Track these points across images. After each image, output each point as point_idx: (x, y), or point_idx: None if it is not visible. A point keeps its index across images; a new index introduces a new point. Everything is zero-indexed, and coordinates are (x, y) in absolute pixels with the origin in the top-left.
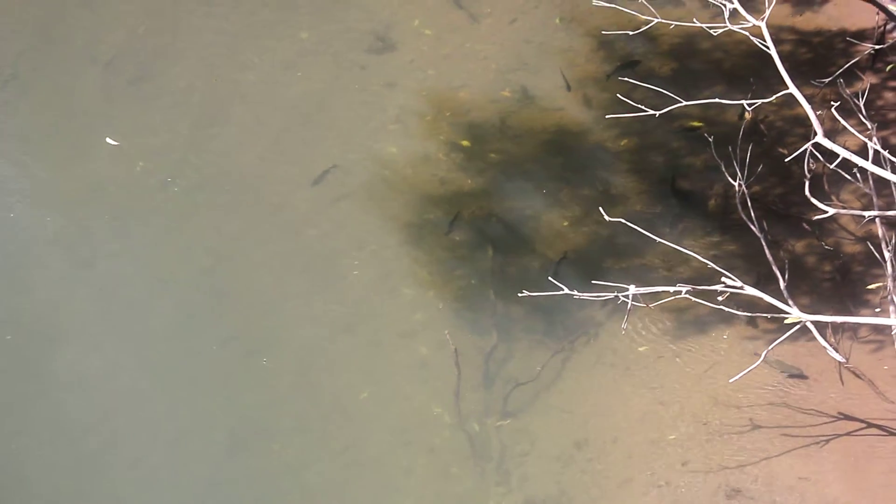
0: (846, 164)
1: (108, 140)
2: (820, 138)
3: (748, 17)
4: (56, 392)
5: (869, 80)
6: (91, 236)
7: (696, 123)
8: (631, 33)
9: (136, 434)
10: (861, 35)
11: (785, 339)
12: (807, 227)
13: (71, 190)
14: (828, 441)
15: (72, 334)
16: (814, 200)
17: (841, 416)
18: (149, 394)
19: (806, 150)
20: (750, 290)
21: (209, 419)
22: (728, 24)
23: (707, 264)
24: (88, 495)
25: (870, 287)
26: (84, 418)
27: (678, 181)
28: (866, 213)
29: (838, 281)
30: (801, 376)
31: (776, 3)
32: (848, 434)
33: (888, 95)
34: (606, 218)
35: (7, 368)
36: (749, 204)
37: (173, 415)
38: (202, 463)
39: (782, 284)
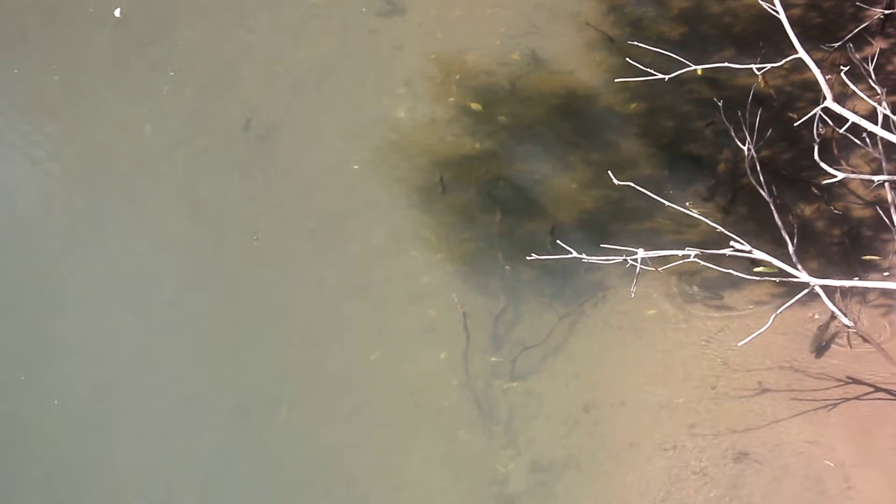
0: (855, 129)
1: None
2: (829, 103)
3: None
4: (62, 358)
5: (879, 44)
6: (98, 200)
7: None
8: None
9: (143, 400)
10: (871, 0)
11: (794, 303)
12: (816, 191)
13: (78, 153)
14: (835, 405)
15: (78, 299)
16: (823, 165)
17: (849, 381)
18: (155, 359)
19: (815, 114)
20: (759, 254)
21: (216, 384)
22: None
23: (716, 228)
24: (94, 462)
25: (864, 257)
26: (90, 384)
27: (686, 146)
28: (876, 178)
29: (847, 245)
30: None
31: None
32: (855, 398)
33: None
34: (615, 181)
35: (12, 333)
36: (758, 168)
37: (180, 380)
38: (209, 428)
39: (791, 249)
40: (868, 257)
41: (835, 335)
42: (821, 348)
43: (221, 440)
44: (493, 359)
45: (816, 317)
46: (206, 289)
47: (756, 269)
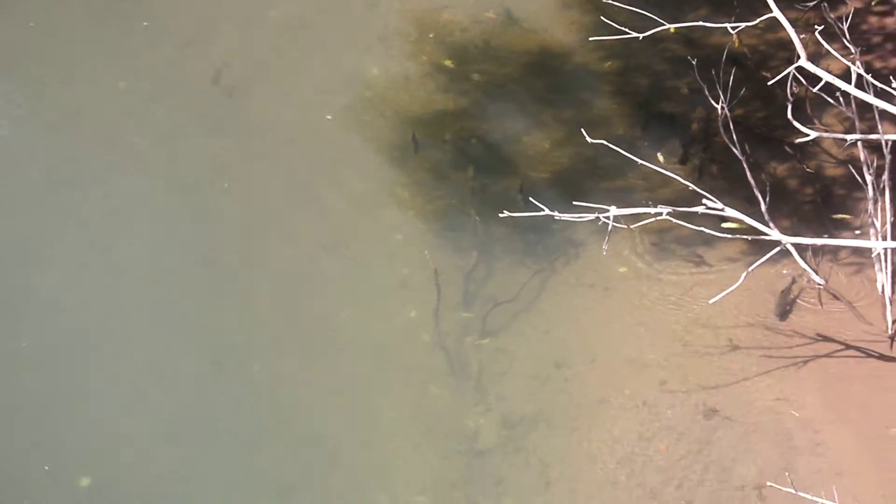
0: (829, 88)
1: None
2: (803, 62)
3: None
4: (35, 313)
5: (853, 4)
6: (72, 157)
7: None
8: None
9: (116, 355)
10: None
11: (765, 260)
12: (789, 150)
13: (52, 110)
14: (806, 362)
15: (51, 255)
16: (796, 124)
17: (820, 338)
18: (127, 315)
19: (789, 73)
20: (731, 212)
21: (188, 341)
22: None
23: (688, 186)
24: (69, 416)
25: (836, 216)
26: (64, 339)
27: (660, 104)
28: (848, 137)
29: (819, 204)
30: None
31: None
32: (826, 356)
33: (872, 20)
34: (589, 139)
35: None
36: (731, 127)
37: (152, 337)
38: (181, 385)
39: (763, 207)
40: (840, 216)
41: (796, 299)
42: (784, 312)
43: (192, 394)
44: (465, 314)
45: (785, 272)
46: (180, 243)
47: (724, 225)
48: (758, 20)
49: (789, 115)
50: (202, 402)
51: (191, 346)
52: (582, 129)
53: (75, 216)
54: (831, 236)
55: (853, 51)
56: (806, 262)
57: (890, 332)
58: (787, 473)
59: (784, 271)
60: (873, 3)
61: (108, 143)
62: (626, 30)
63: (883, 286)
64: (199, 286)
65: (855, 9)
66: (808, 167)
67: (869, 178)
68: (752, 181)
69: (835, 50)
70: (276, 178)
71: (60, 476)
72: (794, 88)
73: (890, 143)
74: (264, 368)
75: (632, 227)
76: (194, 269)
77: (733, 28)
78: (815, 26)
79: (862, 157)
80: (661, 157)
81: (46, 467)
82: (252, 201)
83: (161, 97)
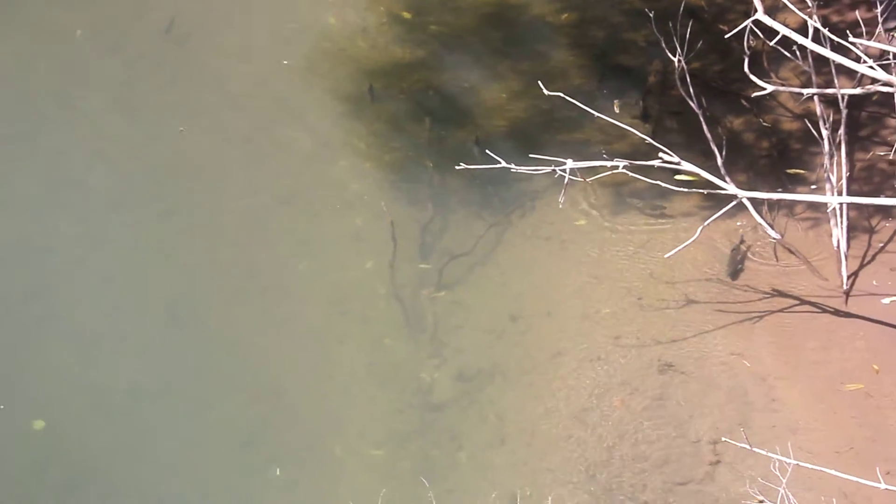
0: (786, 42)
1: None
2: (760, 15)
3: None
4: None
5: None
6: (30, 108)
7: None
8: None
9: (74, 306)
10: None
11: (721, 215)
12: (745, 103)
13: (10, 58)
14: (761, 317)
15: (10, 205)
16: (753, 77)
17: (775, 293)
18: (87, 265)
19: (746, 26)
20: (687, 166)
21: (147, 291)
22: None
23: (645, 139)
24: (27, 364)
25: (792, 171)
26: (22, 288)
27: (617, 57)
28: (805, 91)
29: (775, 158)
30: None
31: None
32: (781, 311)
33: None
34: (545, 92)
35: None
36: (688, 80)
37: (111, 286)
38: (139, 335)
39: (719, 161)
40: (795, 171)
41: (745, 258)
42: (736, 272)
43: (151, 347)
44: (422, 266)
45: (739, 224)
46: (136, 196)
47: (677, 177)
48: None
49: (746, 69)
50: (158, 353)
51: (147, 298)
52: (539, 82)
53: (29, 168)
54: (787, 191)
55: (810, 4)
56: (761, 217)
57: (845, 287)
58: (741, 429)
59: (738, 223)
60: None
61: (65, 94)
62: None
63: (838, 241)
64: (154, 238)
65: None
66: (764, 121)
67: (825, 133)
68: (708, 135)
69: (792, 4)
70: (232, 130)
71: (15, 417)
72: (751, 42)
73: (846, 97)
74: (221, 320)
75: (588, 180)
76: (150, 220)
77: None
78: None
79: (818, 111)
80: (617, 107)
81: (1, 406)
82: (208, 153)
83: (117, 47)
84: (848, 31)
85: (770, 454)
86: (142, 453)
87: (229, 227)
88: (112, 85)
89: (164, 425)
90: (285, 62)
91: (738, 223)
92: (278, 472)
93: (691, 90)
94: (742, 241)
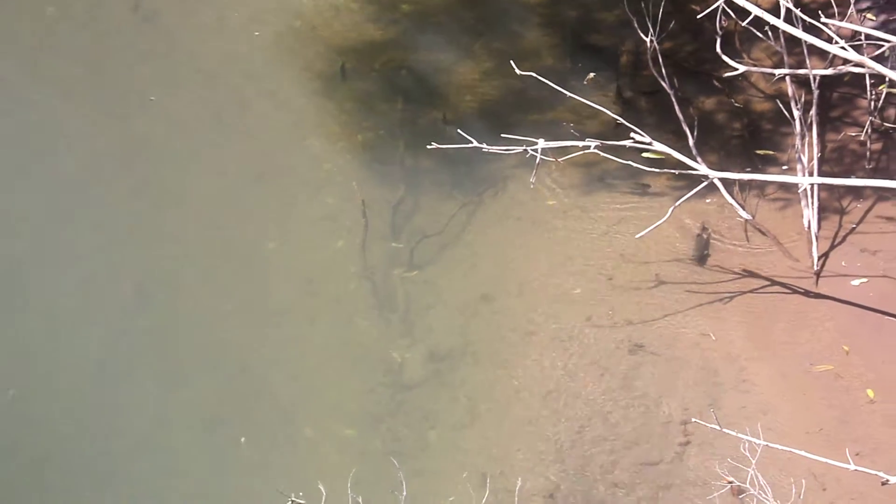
0: (758, 22)
1: None
2: None
3: None
4: None
5: None
6: (1, 80)
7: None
8: None
9: (43, 283)
10: None
11: (692, 195)
12: (717, 84)
13: None
14: (731, 298)
15: None
16: (725, 58)
17: (745, 274)
18: (57, 243)
19: (718, 6)
20: (659, 146)
21: (116, 270)
22: None
23: (616, 119)
24: None
25: (762, 152)
26: None
27: (589, 36)
28: (777, 71)
29: (747, 139)
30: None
31: None
32: (752, 291)
33: None
34: (517, 71)
35: None
36: (660, 60)
37: (81, 264)
38: (108, 313)
39: (691, 141)
40: (766, 151)
41: (709, 242)
42: (702, 257)
43: (120, 325)
44: (395, 244)
45: (707, 202)
46: (106, 172)
47: (645, 155)
48: None
49: (718, 49)
50: (128, 331)
51: (116, 275)
52: (511, 61)
53: (3, 143)
54: (758, 172)
55: None
56: (733, 197)
57: (816, 268)
58: (711, 409)
59: (702, 209)
60: None
61: (36, 69)
62: None
63: (809, 222)
64: (125, 215)
65: None
66: (736, 102)
67: (797, 114)
68: (680, 115)
69: None
70: (202, 108)
71: None
72: (724, 22)
73: (818, 78)
74: (190, 298)
75: (560, 160)
76: (119, 197)
77: None
78: None
79: (790, 91)
80: (589, 82)
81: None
82: (179, 131)
83: (87, 24)
84: (820, 12)
85: (740, 435)
86: (110, 431)
87: (199, 204)
88: (82, 62)
89: (132, 403)
90: (256, 33)
91: (703, 209)
92: (243, 441)
93: (663, 70)
94: (705, 228)
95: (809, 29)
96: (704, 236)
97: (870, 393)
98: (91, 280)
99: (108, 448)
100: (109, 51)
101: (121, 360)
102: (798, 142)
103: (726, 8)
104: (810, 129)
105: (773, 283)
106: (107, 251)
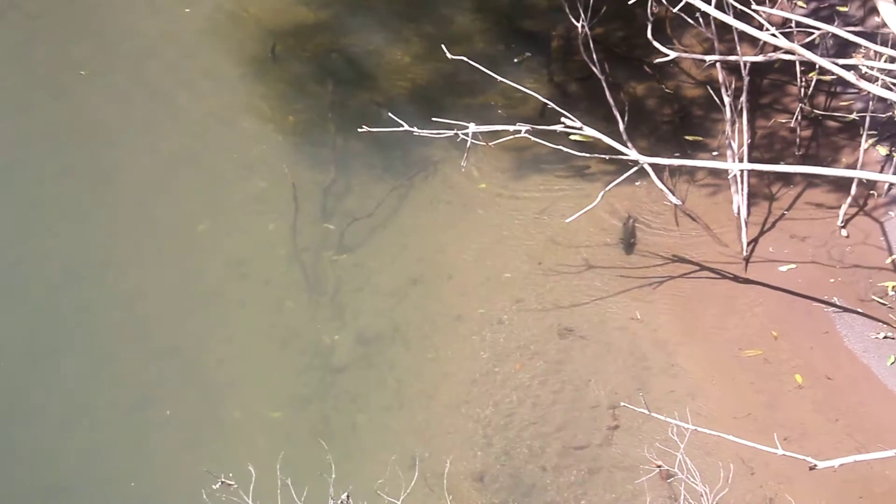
0: (689, 9)
1: None
2: None
3: None
4: None
5: None
6: None
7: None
8: None
9: None
10: None
11: (622, 180)
12: (648, 70)
13: None
14: (661, 283)
15: None
16: (656, 44)
17: (675, 259)
18: None
19: None
20: (589, 131)
21: (43, 249)
22: None
23: (548, 104)
24: None
25: (690, 137)
26: None
27: (521, 21)
28: (707, 58)
29: (678, 124)
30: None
31: None
32: (681, 276)
33: None
34: (448, 55)
35: None
36: (591, 46)
37: (8, 243)
38: (35, 293)
39: (622, 126)
40: (694, 137)
41: (635, 233)
42: (630, 246)
43: (47, 305)
44: (327, 225)
45: (638, 183)
46: (35, 153)
47: (572, 137)
48: None
49: (649, 35)
50: (55, 311)
51: (44, 256)
52: (442, 45)
53: None
54: (688, 157)
55: None
56: (663, 183)
57: (745, 253)
58: (640, 393)
59: (637, 184)
60: None
61: None
62: None
63: (739, 208)
64: (52, 195)
65: None
66: (666, 88)
67: (727, 100)
68: (611, 100)
69: None
70: (134, 89)
71: None
72: (654, 8)
73: (748, 64)
74: (118, 279)
75: (490, 144)
76: (48, 178)
77: None
78: None
79: (720, 78)
80: (524, 56)
81: None
82: (108, 111)
83: (18, 2)
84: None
85: (668, 419)
86: (36, 412)
87: (129, 185)
88: (11, 43)
89: (58, 384)
90: (187, 10)
91: (633, 194)
92: (168, 413)
93: (594, 56)
94: (630, 217)
95: (740, 16)
96: (630, 225)
97: (798, 378)
98: (19, 261)
99: (33, 429)
100: (40, 30)
101: (48, 339)
102: (728, 128)
103: None
104: (740, 116)
105: (703, 268)
106: (35, 230)
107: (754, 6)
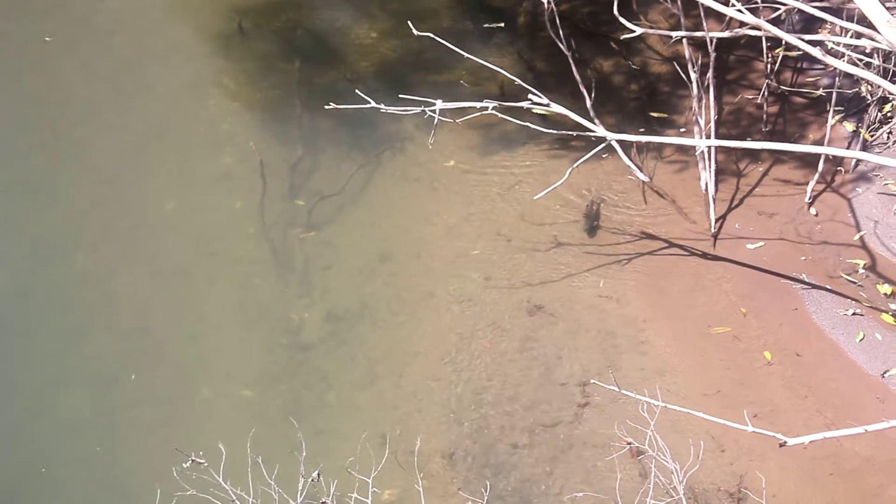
0: None
1: None
2: None
3: None
4: None
5: None
6: None
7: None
8: None
9: None
10: None
11: (590, 157)
12: (615, 46)
13: None
14: (629, 260)
15: None
16: (622, 20)
17: (643, 236)
18: None
19: None
20: (556, 108)
21: (12, 228)
22: None
23: (514, 81)
24: None
25: (656, 114)
26: None
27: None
28: (674, 34)
29: (644, 101)
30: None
31: None
32: (650, 253)
33: None
34: (415, 32)
35: None
36: (558, 22)
37: None
38: (4, 272)
39: (588, 103)
40: (661, 114)
41: (599, 215)
42: (592, 228)
43: (17, 284)
44: (297, 202)
45: (605, 156)
46: (5, 133)
47: (535, 110)
48: None
49: (615, 11)
50: (23, 291)
51: (12, 235)
52: (409, 22)
53: None
54: (655, 134)
55: None
56: (630, 160)
57: (713, 230)
58: (610, 371)
59: (604, 157)
60: None
61: None
62: None
63: (706, 184)
64: (20, 174)
65: None
66: (633, 64)
67: (694, 76)
68: (577, 77)
69: None
70: (99, 66)
71: None
72: None
73: (715, 40)
74: (87, 258)
75: (458, 121)
76: (16, 156)
77: None
78: None
79: (687, 54)
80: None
81: None
82: (77, 89)
83: None
84: None
85: (638, 396)
86: (5, 389)
87: (97, 163)
88: None
89: (28, 363)
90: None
91: (601, 171)
92: (133, 378)
93: (561, 32)
94: (594, 200)
95: None
96: (595, 207)
97: (767, 355)
98: None
99: (5, 407)
100: (4, 5)
101: (17, 320)
102: (695, 104)
103: None
104: (707, 92)
105: (671, 244)
106: (3, 209)
107: None
